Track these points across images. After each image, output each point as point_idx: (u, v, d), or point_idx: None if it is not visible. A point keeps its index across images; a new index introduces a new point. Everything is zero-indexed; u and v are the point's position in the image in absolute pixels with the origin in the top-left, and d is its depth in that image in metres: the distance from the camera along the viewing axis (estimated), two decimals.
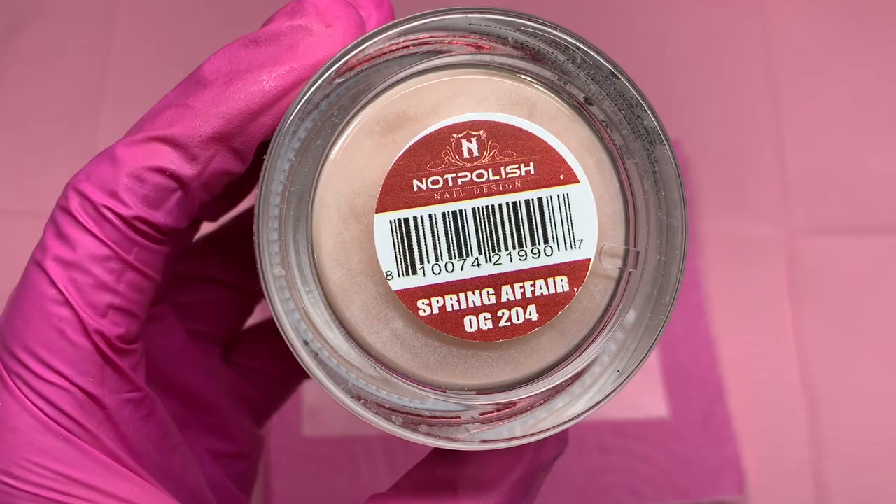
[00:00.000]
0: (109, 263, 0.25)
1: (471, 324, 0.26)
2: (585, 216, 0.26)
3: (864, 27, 0.58)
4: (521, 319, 0.26)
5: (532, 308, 0.26)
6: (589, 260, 0.26)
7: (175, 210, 0.25)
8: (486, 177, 0.26)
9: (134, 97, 0.57)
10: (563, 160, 0.27)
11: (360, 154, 0.26)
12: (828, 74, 0.57)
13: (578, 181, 0.27)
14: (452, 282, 0.26)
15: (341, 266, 0.26)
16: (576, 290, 0.26)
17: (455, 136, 0.26)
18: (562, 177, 0.27)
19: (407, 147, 0.26)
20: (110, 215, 0.24)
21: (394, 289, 0.26)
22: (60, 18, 0.57)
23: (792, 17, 0.58)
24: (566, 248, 0.26)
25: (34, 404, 0.24)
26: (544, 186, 0.26)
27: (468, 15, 0.26)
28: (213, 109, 0.25)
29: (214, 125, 0.25)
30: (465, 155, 0.26)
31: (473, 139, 0.26)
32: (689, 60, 0.57)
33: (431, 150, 0.26)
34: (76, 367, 0.24)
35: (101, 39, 0.57)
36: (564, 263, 0.26)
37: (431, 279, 0.26)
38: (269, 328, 0.33)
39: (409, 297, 0.26)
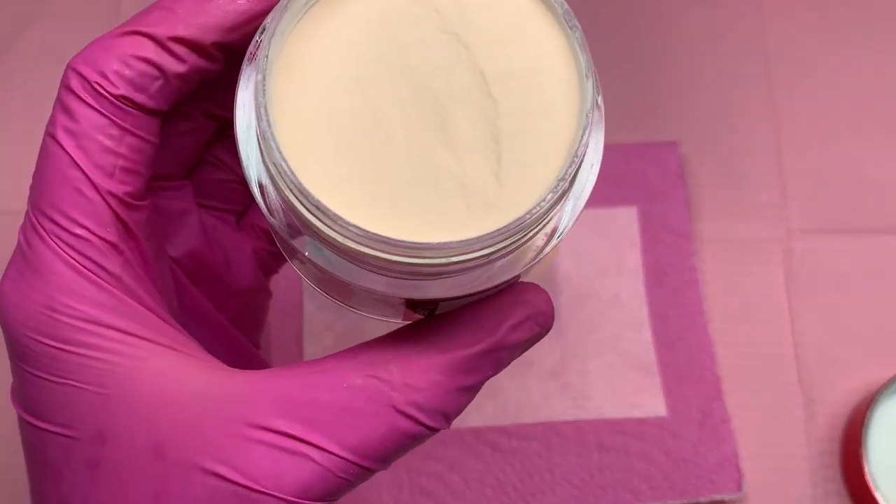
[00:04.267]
0: (109, 130, 0.28)
1: None
2: None
3: (861, 29, 0.58)
4: None
5: None
6: None
7: (157, 95, 0.29)
8: None
9: None
10: None
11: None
12: (825, 76, 0.57)
13: None
14: None
15: None
16: None
17: None
18: None
19: None
20: (102, 91, 0.28)
21: None
22: (62, 20, 0.57)
23: (789, 19, 0.58)
24: None
25: (66, 253, 0.28)
26: None
27: None
28: (193, 18, 0.29)
29: (192, 32, 0.29)
30: None
31: None
32: (687, 62, 0.58)
33: None
34: (95, 220, 0.28)
35: None
36: None
37: None
38: None
39: None
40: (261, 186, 0.28)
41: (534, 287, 0.30)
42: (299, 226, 0.27)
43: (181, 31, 0.28)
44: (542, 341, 0.48)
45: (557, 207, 0.27)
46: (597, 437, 0.49)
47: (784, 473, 0.49)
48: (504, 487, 0.48)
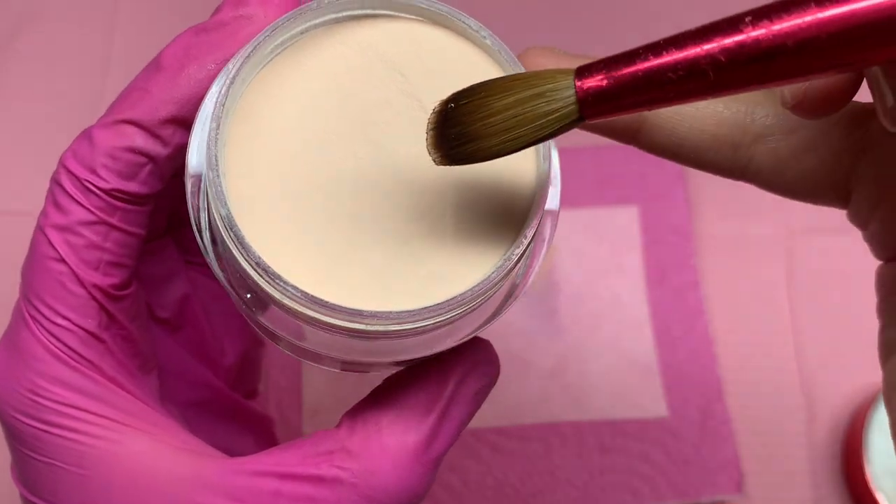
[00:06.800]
0: (96, 227, 0.29)
1: None
2: None
3: None
4: None
5: None
6: None
7: (148, 179, 0.29)
8: None
9: None
10: None
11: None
12: None
13: None
14: None
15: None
16: None
17: None
18: None
19: None
20: (92, 188, 0.28)
21: None
22: (61, 20, 0.57)
23: None
24: None
25: (49, 341, 0.29)
26: None
27: None
28: (168, 94, 0.28)
29: (170, 109, 0.28)
30: None
31: None
32: None
33: None
34: (77, 311, 0.29)
35: (101, 41, 0.57)
36: None
37: None
38: None
39: None
40: (212, 237, 0.27)
41: (475, 339, 0.30)
42: (244, 279, 0.27)
43: (163, 113, 0.28)
44: (542, 341, 0.48)
45: (500, 285, 0.27)
46: (597, 437, 0.49)
47: (785, 474, 0.49)
48: (504, 489, 0.48)
